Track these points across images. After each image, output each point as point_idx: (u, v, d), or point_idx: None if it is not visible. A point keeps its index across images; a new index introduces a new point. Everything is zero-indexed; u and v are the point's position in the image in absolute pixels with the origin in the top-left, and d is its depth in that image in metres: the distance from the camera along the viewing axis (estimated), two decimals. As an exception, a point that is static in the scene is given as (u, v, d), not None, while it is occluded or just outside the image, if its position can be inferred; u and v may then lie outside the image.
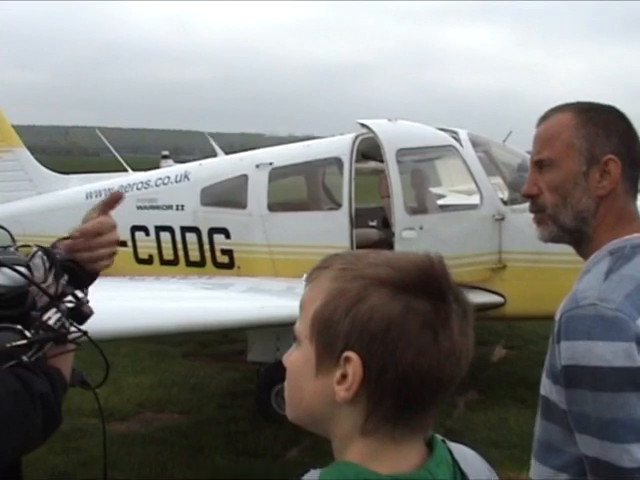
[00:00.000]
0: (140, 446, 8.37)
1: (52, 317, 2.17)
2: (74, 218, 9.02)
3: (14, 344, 2.09)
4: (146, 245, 11.35)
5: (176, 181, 11.34)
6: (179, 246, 11.07)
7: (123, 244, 11.46)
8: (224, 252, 10.73)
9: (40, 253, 2.27)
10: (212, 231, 10.78)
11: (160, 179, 11.57)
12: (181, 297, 8.81)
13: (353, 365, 1.51)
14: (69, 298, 2.25)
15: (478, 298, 9.59)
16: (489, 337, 13.10)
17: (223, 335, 12.09)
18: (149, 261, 11.33)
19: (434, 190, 12.22)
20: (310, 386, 1.58)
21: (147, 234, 11.29)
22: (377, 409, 1.55)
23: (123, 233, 11.40)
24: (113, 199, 2.51)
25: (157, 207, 11.25)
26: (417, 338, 1.52)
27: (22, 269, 2.17)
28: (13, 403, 2.03)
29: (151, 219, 11.26)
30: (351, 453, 1.57)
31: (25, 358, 2.10)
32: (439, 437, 1.68)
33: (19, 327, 2.11)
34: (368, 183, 11.93)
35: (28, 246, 2.31)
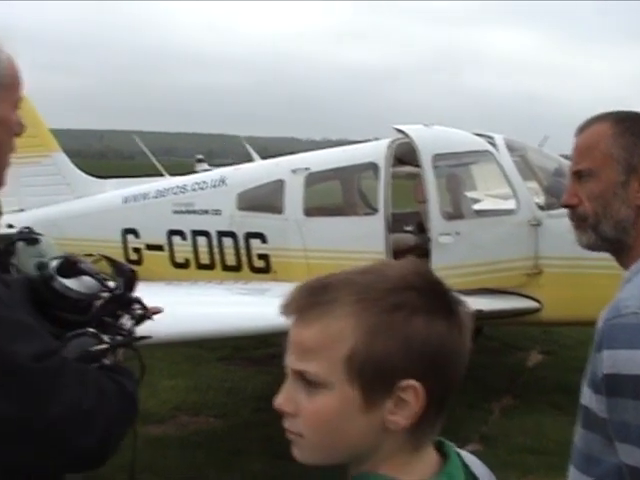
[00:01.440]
0: (176, 449, 8.41)
1: (127, 323, 2.30)
2: (111, 222, 9.13)
3: (98, 348, 2.17)
4: (183, 249, 11.41)
5: (213, 186, 11.39)
6: (215, 250, 11.11)
7: (160, 248, 11.55)
8: (260, 257, 10.76)
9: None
10: (248, 236, 10.81)
11: (197, 184, 11.63)
12: (219, 302, 8.84)
13: (414, 392, 1.52)
14: (137, 305, 2.38)
15: (513, 303, 9.59)
16: (524, 342, 13.06)
17: (260, 340, 12.12)
18: (185, 265, 11.39)
19: (469, 195, 12.21)
20: (356, 425, 1.56)
21: (184, 238, 11.35)
22: (427, 423, 1.58)
23: (160, 237, 11.50)
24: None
25: (194, 212, 11.30)
26: (457, 347, 1.57)
27: (100, 277, 2.30)
28: (119, 402, 2.12)
29: (188, 223, 11.32)
30: (382, 467, 1.59)
31: (106, 361, 2.19)
32: (448, 442, 1.70)
33: (93, 331, 2.20)
34: (402, 187, 11.92)
35: (92, 255, 2.38)
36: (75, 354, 2.13)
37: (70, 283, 2.24)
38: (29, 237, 2.41)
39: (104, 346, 2.18)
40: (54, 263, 2.27)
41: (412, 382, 1.52)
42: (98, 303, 2.30)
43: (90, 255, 2.41)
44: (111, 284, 2.33)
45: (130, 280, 2.39)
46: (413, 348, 1.52)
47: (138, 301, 2.37)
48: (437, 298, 1.58)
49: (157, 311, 2.62)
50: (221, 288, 9.86)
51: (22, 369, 1.95)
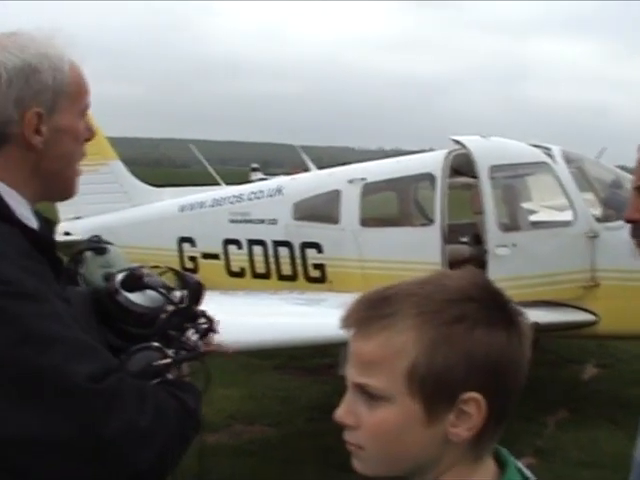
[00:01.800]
0: (230, 458, 8.41)
1: (191, 337, 2.28)
2: (167, 230, 9.22)
3: (161, 362, 2.16)
4: (238, 258, 11.45)
5: (269, 195, 11.43)
6: (271, 260, 11.15)
7: (216, 257, 11.61)
8: (316, 266, 10.78)
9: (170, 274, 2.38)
10: (304, 245, 10.84)
11: (253, 193, 11.67)
12: (275, 312, 8.87)
13: (476, 404, 1.54)
14: (202, 320, 2.36)
15: (569, 316, 9.52)
16: (580, 355, 12.94)
17: (315, 349, 12.13)
18: (241, 274, 11.43)
19: (525, 206, 12.15)
20: (418, 437, 1.57)
21: (240, 247, 11.40)
22: (487, 434, 1.59)
23: (216, 246, 11.56)
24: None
25: (250, 221, 11.35)
26: (517, 358, 1.58)
27: (165, 291, 2.29)
28: (177, 419, 2.12)
29: (244, 232, 11.36)
30: (444, 478, 1.60)
31: (170, 376, 2.19)
32: (504, 450, 1.70)
33: (157, 345, 2.20)
34: (458, 198, 11.88)
35: (158, 267, 2.39)
36: (138, 368, 2.14)
37: (135, 297, 2.24)
38: (97, 246, 2.42)
39: (167, 361, 2.17)
40: (119, 276, 2.28)
41: (474, 394, 1.53)
42: (163, 317, 2.30)
43: (156, 267, 2.41)
44: (176, 297, 2.32)
45: (196, 293, 2.39)
46: (474, 360, 1.53)
47: (204, 314, 2.36)
48: (497, 309, 1.59)
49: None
50: (276, 298, 9.88)
51: (78, 389, 1.95)
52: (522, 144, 10.75)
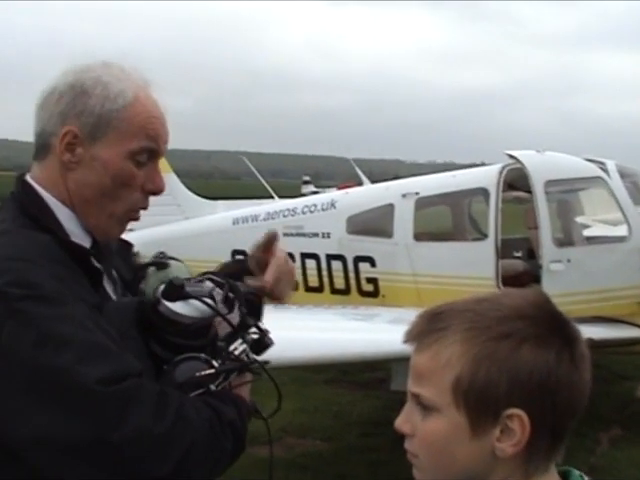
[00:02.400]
0: (282, 471, 8.40)
1: (238, 348, 2.24)
2: (221, 243, 9.27)
3: (203, 373, 2.16)
4: (292, 272, 11.43)
5: (322, 209, 11.46)
6: (324, 273, 11.16)
7: (269, 270, 11.63)
8: (369, 280, 10.77)
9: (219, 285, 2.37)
10: (358, 259, 10.83)
11: (307, 207, 11.71)
12: (329, 327, 8.87)
13: (520, 421, 1.55)
14: (253, 329, 2.33)
15: (624, 332, 9.43)
16: (633, 372, 12.80)
17: (367, 364, 12.11)
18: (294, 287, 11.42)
19: (579, 221, 12.07)
20: (465, 449, 1.59)
21: (293, 261, 11.38)
22: (538, 452, 1.59)
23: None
24: (271, 239, 2.87)
25: (303, 234, 11.38)
26: (569, 378, 1.57)
27: (208, 300, 2.25)
28: (208, 429, 2.10)
29: (297, 246, 11.37)
30: None
31: (213, 387, 2.17)
32: (575, 470, 1.71)
33: (204, 356, 2.19)
34: (509, 211, 11.82)
35: (212, 278, 2.39)
36: (182, 379, 2.14)
37: (177, 307, 2.22)
38: (159, 262, 2.43)
39: (210, 371, 2.16)
40: (162, 287, 2.27)
41: (517, 411, 1.55)
42: (215, 328, 2.29)
43: (211, 278, 2.40)
44: (224, 307, 2.30)
45: (250, 303, 2.39)
46: (518, 377, 1.55)
47: (256, 325, 2.35)
48: (551, 329, 1.59)
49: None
50: (330, 313, 9.88)
51: (87, 392, 1.97)
52: (577, 159, 10.69)
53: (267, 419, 2.40)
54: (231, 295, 2.33)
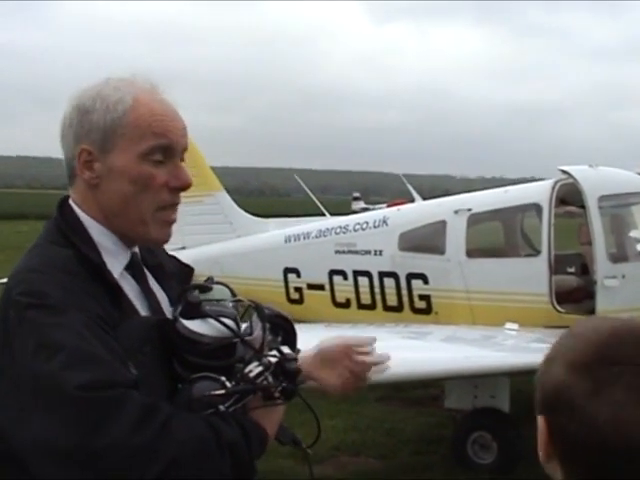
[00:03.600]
0: (336, 489, 8.42)
1: (254, 370, 2.22)
2: (273, 261, 9.29)
3: (211, 393, 2.15)
4: (344, 289, 11.47)
5: (374, 226, 11.45)
6: (377, 290, 11.13)
7: (321, 288, 11.64)
8: (422, 297, 10.73)
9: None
10: (410, 276, 10.80)
11: (358, 224, 11.70)
12: (383, 347, 8.82)
13: (540, 426, 1.62)
14: (274, 353, 2.30)
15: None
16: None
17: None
18: (346, 305, 11.44)
19: (633, 235, 11.95)
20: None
21: (345, 278, 11.41)
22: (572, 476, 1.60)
23: (321, 277, 11.59)
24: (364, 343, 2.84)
25: (355, 252, 11.37)
26: (584, 408, 1.54)
27: (228, 321, 2.23)
28: (198, 447, 2.08)
29: (349, 263, 11.39)
30: None
31: (222, 407, 2.16)
32: None
33: (222, 378, 2.18)
34: (560, 225, 11.73)
35: (241, 300, 2.38)
36: (193, 397, 2.15)
37: (195, 325, 2.22)
38: (202, 285, 2.39)
39: (220, 392, 2.15)
40: (180, 305, 2.27)
41: (539, 417, 1.65)
42: (240, 351, 2.28)
43: (239, 300, 2.39)
44: (242, 328, 2.29)
45: (278, 327, 2.39)
46: (541, 389, 1.66)
47: (277, 349, 2.32)
48: (598, 352, 1.58)
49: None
50: (383, 331, 9.83)
51: (66, 396, 1.98)
52: (630, 173, 10.62)
53: (307, 449, 2.37)
54: (255, 318, 2.33)
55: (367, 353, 2.79)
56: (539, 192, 10.56)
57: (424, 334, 9.43)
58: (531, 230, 11.21)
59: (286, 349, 2.34)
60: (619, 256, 10.28)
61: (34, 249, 2.31)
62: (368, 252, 11.23)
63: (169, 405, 2.13)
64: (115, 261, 2.35)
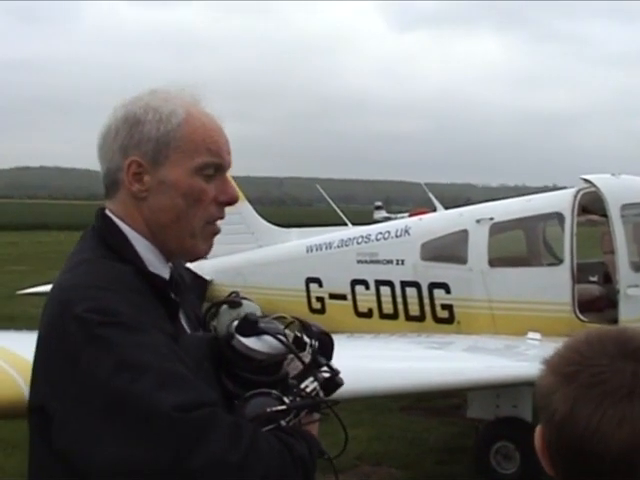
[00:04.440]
0: (359, 499, 8.41)
1: (310, 386, 2.25)
2: (295, 271, 9.30)
3: (274, 409, 2.17)
4: (366, 299, 11.47)
5: (396, 236, 11.44)
6: (399, 300, 11.13)
7: (343, 298, 11.64)
8: (444, 307, 10.72)
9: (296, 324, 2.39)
10: (432, 286, 10.79)
11: (380, 234, 11.70)
12: (405, 357, 8.82)
13: (537, 434, 1.66)
14: (324, 368, 2.32)
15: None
16: None
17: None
18: (369, 315, 11.44)
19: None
20: None
21: (367, 288, 11.42)
22: None
23: (343, 286, 11.60)
24: None
25: (377, 261, 11.37)
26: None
27: (282, 337, 2.26)
28: (279, 463, 2.10)
29: (371, 273, 11.39)
30: None
31: (283, 423, 2.18)
32: None
33: (275, 392, 2.21)
34: (582, 234, 11.71)
35: (284, 317, 2.41)
36: (252, 414, 2.16)
37: (250, 342, 2.24)
38: (231, 300, 2.43)
39: (281, 407, 2.17)
40: (235, 322, 2.29)
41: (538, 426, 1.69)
42: (286, 368, 2.31)
43: (282, 317, 2.42)
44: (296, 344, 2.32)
45: (322, 343, 2.38)
46: (537, 398, 1.70)
47: (327, 365, 2.34)
48: (583, 362, 1.63)
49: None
50: (404, 341, 9.83)
51: (163, 417, 1.98)
52: (652, 181, 10.58)
53: (332, 459, 2.39)
54: (304, 334, 2.35)
55: None
56: (561, 201, 10.53)
57: (446, 344, 9.41)
58: (553, 239, 11.18)
59: (333, 365, 2.37)
60: (642, 265, 10.24)
61: (85, 264, 2.26)
62: (390, 262, 11.22)
63: (246, 421, 2.13)
64: (160, 274, 2.36)
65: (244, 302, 2.43)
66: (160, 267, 2.36)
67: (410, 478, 9.31)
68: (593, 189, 10.11)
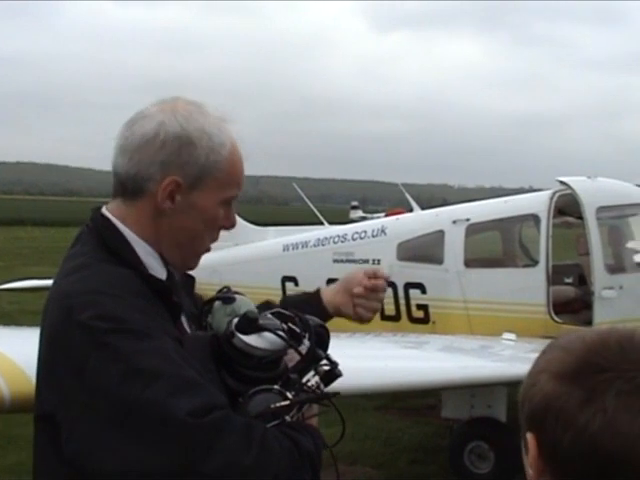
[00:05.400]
0: (333, 498, 8.39)
1: (311, 380, 2.29)
2: (271, 269, 9.28)
3: (278, 405, 2.18)
4: (342, 298, 11.41)
5: (373, 235, 11.45)
6: (374, 300, 11.08)
7: (319, 297, 11.63)
8: (420, 307, 10.74)
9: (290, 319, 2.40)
10: (408, 286, 10.80)
11: (357, 233, 11.70)
12: (380, 356, 8.82)
13: (530, 444, 1.59)
14: (324, 361, 2.37)
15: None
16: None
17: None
18: (344, 314, 11.40)
19: (630, 246, 11.98)
20: None
21: None
22: None
23: (319, 285, 11.57)
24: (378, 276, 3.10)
25: (353, 261, 11.35)
26: (576, 417, 1.52)
27: (282, 334, 2.28)
28: (289, 461, 2.12)
29: (347, 273, 11.35)
30: None
31: (288, 418, 2.20)
32: None
33: (277, 388, 2.22)
34: (558, 235, 11.76)
35: (280, 312, 2.42)
36: (257, 410, 2.16)
37: (251, 339, 2.25)
38: (225, 296, 2.47)
39: (285, 403, 2.18)
40: (235, 320, 2.30)
41: (528, 434, 1.61)
42: (285, 360, 2.32)
43: (280, 312, 2.43)
44: (296, 339, 2.34)
45: (319, 336, 2.42)
46: (529, 403, 1.62)
47: (326, 357, 2.38)
48: (585, 364, 1.58)
49: None
50: (380, 341, 9.83)
51: (179, 424, 1.99)
52: (628, 184, 10.66)
53: (331, 448, 2.41)
54: (301, 328, 2.37)
55: (378, 278, 3.08)
56: (537, 203, 10.59)
57: (421, 343, 9.43)
58: (529, 240, 11.25)
59: (332, 356, 2.41)
60: (617, 267, 10.30)
61: (85, 268, 2.24)
62: (366, 261, 11.22)
63: (255, 421, 2.15)
64: (160, 277, 2.36)
65: (237, 297, 2.46)
66: (159, 270, 2.37)
67: (385, 477, 9.33)
68: (569, 191, 10.17)
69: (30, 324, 5.68)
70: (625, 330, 1.61)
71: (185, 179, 2.30)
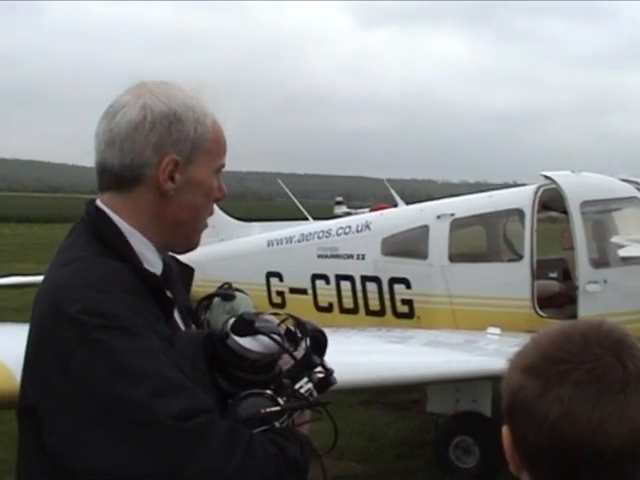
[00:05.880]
0: (318, 493, 8.38)
1: (304, 386, 2.25)
2: (255, 265, 9.26)
3: (268, 410, 2.16)
4: (326, 293, 11.47)
5: (357, 231, 11.45)
6: (359, 295, 11.13)
7: (303, 292, 11.63)
8: (404, 302, 10.74)
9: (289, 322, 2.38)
10: (392, 281, 10.81)
11: (341, 228, 11.71)
12: (365, 351, 8.81)
13: (504, 437, 1.66)
14: (319, 368, 2.33)
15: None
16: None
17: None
18: (329, 309, 11.43)
19: (614, 241, 12.00)
20: None
21: (327, 282, 11.41)
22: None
23: (304, 281, 11.58)
24: None
25: (338, 256, 11.37)
26: (536, 408, 1.56)
27: (277, 337, 2.26)
28: (274, 468, 2.09)
29: (332, 268, 11.38)
30: None
31: (277, 424, 2.17)
32: None
33: (269, 393, 2.19)
34: (543, 230, 11.78)
35: (278, 314, 2.40)
36: (246, 414, 2.14)
37: (245, 342, 2.23)
38: (225, 293, 2.45)
39: (275, 409, 2.16)
40: (231, 321, 2.27)
41: (504, 426, 1.67)
42: (279, 364, 2.29)
43: (276, 314, 2.41)
44: (291, 344, 2.31)
45: (317, 341, 2.38)
46: (504, 397, 1.67)
47: (322, 364, 2.34)
48: (548, 356, 1.62)
49: None
50: (365, 336, 9.84)
51: (161, 425, 1.97)
52: (612, 179, 10.66)
53: (322, 454, 2.38)
54: (298, 332, 2.35)
55: None
56: (522, 197, 10.61)
57: (406, 338, 9.42)
58: (514, 235, 11.26)
59: (327, 363, 2.37)
60: (601, 262, 10.33)
61: (78, 262, 2.21)
62: (351, 256, 11.23)
63: (240, 426, 2.12)
64: (155, 271, 2.34)
65: (237, 295, 2.44)
66: (154, 262, 2.35)
67: (370, 472, 9.34)
68: (553, 186, 10.19)
69: (14, 321, 5.65)
70: (593, 323, 1.64)
71: (181, 156, 2.30)
